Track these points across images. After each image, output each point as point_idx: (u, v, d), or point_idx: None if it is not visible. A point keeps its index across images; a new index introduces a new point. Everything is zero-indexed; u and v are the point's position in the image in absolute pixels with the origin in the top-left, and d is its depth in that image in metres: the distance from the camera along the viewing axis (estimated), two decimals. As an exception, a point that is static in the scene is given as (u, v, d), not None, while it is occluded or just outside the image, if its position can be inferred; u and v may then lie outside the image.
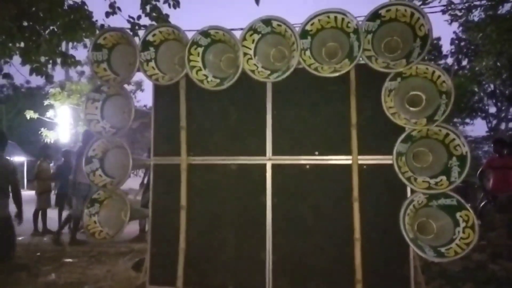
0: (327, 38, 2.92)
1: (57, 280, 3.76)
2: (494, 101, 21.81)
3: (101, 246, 5.12)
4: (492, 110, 22.18)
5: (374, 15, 2.74)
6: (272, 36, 2.97)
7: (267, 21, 2.87)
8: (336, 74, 2.80)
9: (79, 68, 11.70)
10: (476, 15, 9.72)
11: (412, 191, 2.86)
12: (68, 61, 6.04)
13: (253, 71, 2.98)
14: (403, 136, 2.75)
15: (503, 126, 22.19)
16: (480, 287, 3.41)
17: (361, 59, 2.81)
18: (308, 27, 2.83)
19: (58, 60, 6.06)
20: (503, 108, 21.88)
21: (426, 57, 2.72)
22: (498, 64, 11.30)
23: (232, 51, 3.08)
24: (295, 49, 2.81)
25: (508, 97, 20.41)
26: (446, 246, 2.70)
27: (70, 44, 8.02)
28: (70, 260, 4.58)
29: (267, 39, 2.99)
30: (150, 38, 3.18)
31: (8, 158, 3.91)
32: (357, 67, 2.88)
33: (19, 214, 3.77)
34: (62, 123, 12.85)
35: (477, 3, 9.27)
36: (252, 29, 2.92)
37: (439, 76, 2.67)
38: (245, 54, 2.96)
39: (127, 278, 3.73)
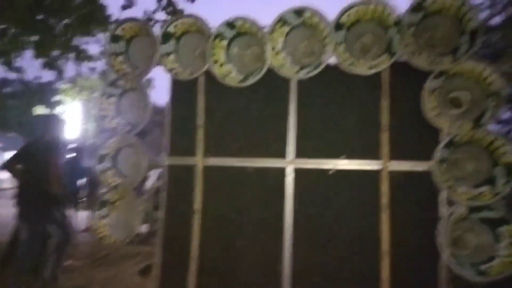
0: (362, 31, 2.70)
1: (63, 284, 3.59)
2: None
3: (107, 248, 4.95)
4: (506, 115, 21.72)
5: (417, 7, 2.52)
6: (302, 29, 2.77)
7: (298, 12, 2.68)
8: (374, 71, 2.59)
9: (90, 63, 11.61)
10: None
11: (449, 202, 2.64)
12: (81, 55, 5.92)
13: (281, 66, 2.78)
14: (446, 140, 2.52)
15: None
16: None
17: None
18: (343, 19, 2.62)
19: (71, 55, 5.95)
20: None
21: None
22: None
23: (258, 45, 2.89)
24: (327, 43, 2.60)
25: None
26: (487, 264, 2.47)
27: (82, 40, 7.94)
28: (74, 262, 4.41)
29: (296, 32, 2.79)
30: (171, 29, 3.02)
31: None
32: (390, 64, 2.65)
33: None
34: (72, 119, 12.81)
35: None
36: (282, 20, 2.72)
37: (488, 76, 2.44)
38: (273, 48, 2.77)
39: (134, 284, 3.55)
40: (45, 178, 3.58)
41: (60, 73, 6.16)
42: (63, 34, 5.61)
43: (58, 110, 12.68)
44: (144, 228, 5.74)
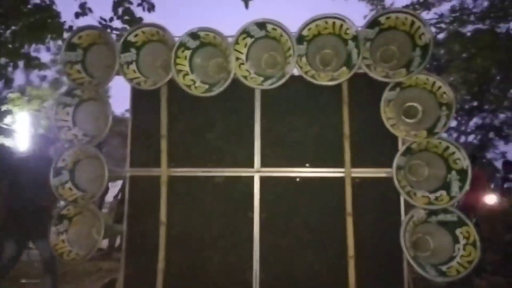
0: (323, 44, 2.79)
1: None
2: (454, 115, 22.61)
3: (66, 264, 4.68)
4: (453, 123, 23.15)
5: (373, 22, 2.63)
6: (265, 41, 2.80)
7: (261, 24, 2.71)
8: (334, 82, 2.67)
9: (40, 72, 11.01)
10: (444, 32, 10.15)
11: (407, 206, 2.76)
12: (32, 63, 5.60)
13: (245, 77, 2.79)
14: (403, 148, 2.64)
15: (462, 139, 23.19)
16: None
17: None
18: (304, 32, 2.69)
19: (21, 63, 5.62)
20: (463, 122, 22.92)
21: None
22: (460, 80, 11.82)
23: (221, 55, 2.89)
24: (291, 55, 2.66)
25: (467, 111, 21.47)
26: (447, 264, 2.60)
27: (32, 47, 7.55)
28: (30, 280, 4.14)
29: (259, 43, 2.82)
30: (131, 38, 2.94)
31: None
32: (350, 76, 2.74)
33: None
34: (21, 130, 12.04)
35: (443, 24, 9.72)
36: (245, 32, 2.74)
37: (439, 87, 2.59)
38: (237, 58, 2.78)
39: (97, 302, 3.38)
40: (42, 194, 3.45)
41: (7, 82, 5.78)
42: (11, 41, 5.30)
43: (6, 120, 11.87)
44: (104, 243, 5.50)
